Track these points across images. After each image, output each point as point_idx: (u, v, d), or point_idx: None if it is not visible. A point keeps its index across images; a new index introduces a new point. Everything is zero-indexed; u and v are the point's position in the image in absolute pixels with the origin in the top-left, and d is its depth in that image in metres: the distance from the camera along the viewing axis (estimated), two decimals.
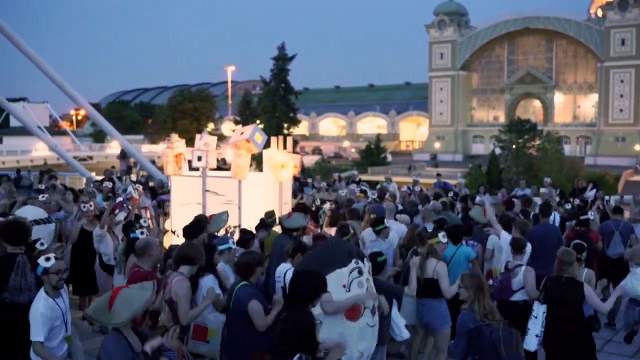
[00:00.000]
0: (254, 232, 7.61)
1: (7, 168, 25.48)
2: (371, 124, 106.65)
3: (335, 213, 10.10)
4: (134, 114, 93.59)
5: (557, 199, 14.03)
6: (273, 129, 53.18)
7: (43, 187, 12.07)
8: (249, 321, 5.04)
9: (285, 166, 9.15)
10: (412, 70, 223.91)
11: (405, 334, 6.04)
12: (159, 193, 13.33)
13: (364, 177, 32.11)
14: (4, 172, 18.89)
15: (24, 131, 42.51)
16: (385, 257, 6.09)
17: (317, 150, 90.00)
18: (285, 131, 59.11)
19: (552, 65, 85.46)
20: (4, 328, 5.10)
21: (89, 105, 17.04)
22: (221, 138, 50.69)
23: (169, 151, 9.44)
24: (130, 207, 9.87)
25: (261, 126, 30.62)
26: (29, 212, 7.77)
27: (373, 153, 66.98)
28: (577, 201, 13.22)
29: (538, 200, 13.61)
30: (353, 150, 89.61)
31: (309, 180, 17.62)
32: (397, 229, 8.68)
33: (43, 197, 9.71)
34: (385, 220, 8.06)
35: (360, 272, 5.02)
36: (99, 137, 75.62)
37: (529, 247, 7.34)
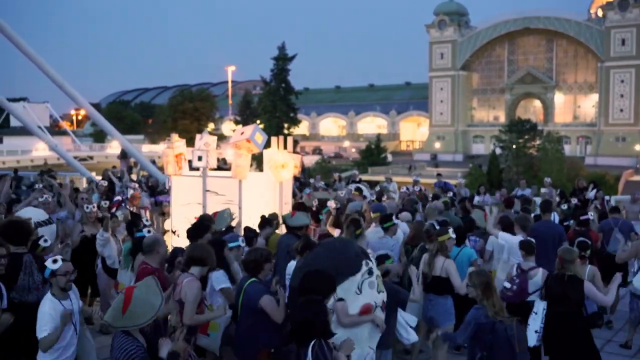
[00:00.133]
0: (257, 230, 7.67)
1: (7, 168, 25.47)
2: (371, 124, 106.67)
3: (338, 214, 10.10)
4: (134, 114, 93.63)
5: (557, 199, 14.02)
6: (273, 129, 53.19)
7: (40, 186, 12.04)
8: (259, 317, 5.07)
9: (285, 166, 9.15)
10: (413, 70, 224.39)
11: (413, 337, 6.06)
12: (156, 193, 13.34)
13: (364, 177, 32.08)
14: (4, 172, 18.87)
15: (24, 131, 42.57)
16: (392, 259, 6.09)
17: (317, 150, 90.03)
18: (286, 131, 59.11)
19: (552, 65, 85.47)
20: (13, 327, 5.09)
21: (89, 105, 17.01)
22: (221, 138, 50.77)
23: (170, 151, 9.44)
24: (128, 206, 9.88)
25: (261, 126, 30.55)
26: (29, 214, 7.74)
27: (373, 153, 66.98)
28: (574, 200, 13.24)
29: (538, 200, 13.62)
30: (353, 150, 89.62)
31: (312, 181, 17.61)
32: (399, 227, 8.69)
33: (42, 197, 9.69)
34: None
35: (371, 272, 5.01)
36: (99, 137, 75.67)
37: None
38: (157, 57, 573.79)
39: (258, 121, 57.93)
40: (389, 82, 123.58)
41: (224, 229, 7.59)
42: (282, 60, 63.80)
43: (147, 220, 8.44)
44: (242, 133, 8.91)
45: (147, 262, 5.78)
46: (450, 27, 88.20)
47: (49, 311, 4.73)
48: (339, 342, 4.22)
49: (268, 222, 7.99)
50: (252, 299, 5.10)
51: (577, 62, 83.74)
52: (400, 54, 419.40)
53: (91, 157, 61.92)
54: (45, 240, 5.88)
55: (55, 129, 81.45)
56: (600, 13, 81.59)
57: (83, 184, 18.01)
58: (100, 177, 15.65)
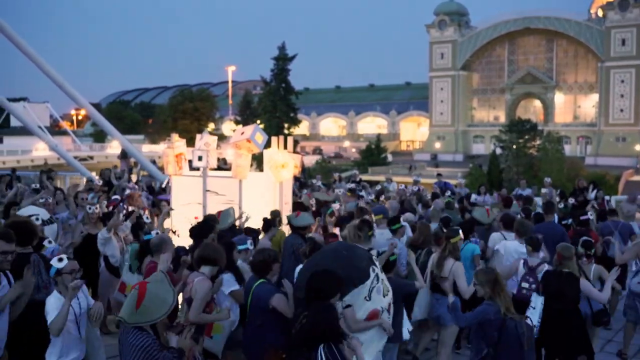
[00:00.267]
0: (260, 230, 7.73)
1: (7, 168, 25.46)
2: (372, 124, 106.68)
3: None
4: (134, 114, 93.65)
5: (558, 199, 14.03)
6: (273, 129, 53.22)
7: (37, 186, 12.03)
8: (269, 318, 5.10)
9: (285, 166, 9.15)
10: (413, 70, 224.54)
11: (406, 335, 6.13)
12: (155, 193, 13.35)
13: (364, 177, 32.10)
14: (4, 172, 18.86)
15: (24, 131, 42.52)
16: (396, 256, 6.13)
17: (317, 150, 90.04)
18: (286, 131, 59.15)
19: (552, 65, 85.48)
20: (24, 326, 5.09)
21: (89, 105, 16.99)
22: (222, 138, 50.80)
23: (170, 151, 9.43)
24: (125, 206, 9.87)
25: (262, 126, 30.59)
26: (31, 212, 7.74)
27: (373, 153, 66.99)
28: (571, 200, 13.25)
29: (538, 201, 13.64)
30: (353, 150, 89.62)
31: (313, 181, 17.61)
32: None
33: (43, 198, 9.69)
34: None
35: (378, 279, 5.02)
36: (100, 137, 75.69)
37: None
38: (157, 57, 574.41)
39: (258, 121, 57.96)
40: (389, 82, 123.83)
41: (228, 226, 7.61)
42: (282, 60, 63.81)
43: (147, 218, 8.44)
44: (242, 133, 8.90)
45: (156, 261, 5.83)
46: (451, 27, 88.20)
47: (55, 301, 4.70)
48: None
49: (271, 223, 8.04)
50: (262, 299, 5.13)
51: (578, 62, 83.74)
52: (400, 54, 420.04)
53: (91, 157, 61.87)
54: (50, 242, 5.89)
55: (55, 129, 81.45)
56: (600, 13, 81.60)
57: (83, 184, 18.00)
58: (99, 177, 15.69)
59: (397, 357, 6.44)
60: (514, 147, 54.17)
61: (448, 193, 13.21)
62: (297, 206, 9.64)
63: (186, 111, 73.36)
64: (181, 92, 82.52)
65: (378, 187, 16.41)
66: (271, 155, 9.28)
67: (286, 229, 8.40)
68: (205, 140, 9.07)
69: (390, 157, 74.17)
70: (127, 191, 11.27)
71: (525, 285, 6.57)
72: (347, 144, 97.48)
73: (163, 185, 13.92)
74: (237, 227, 8.02)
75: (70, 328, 4.75)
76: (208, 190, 8.95)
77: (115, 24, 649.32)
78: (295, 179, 13.46)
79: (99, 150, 68.38)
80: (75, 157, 25.78)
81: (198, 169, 9.17)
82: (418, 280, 6.37)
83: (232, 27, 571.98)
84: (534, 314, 6.06)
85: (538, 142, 54.81)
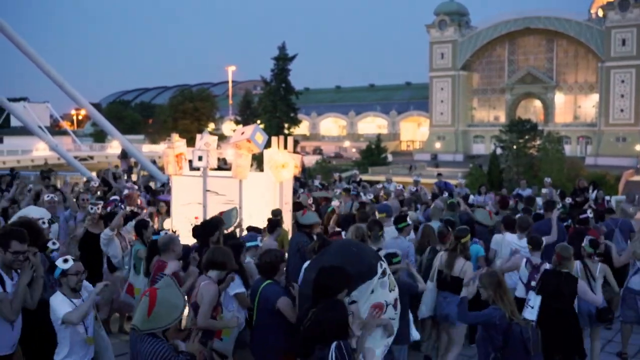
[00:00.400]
0: (262, 229, 7.77)
1: (7, 168, 25.46)
2: (372, 124, 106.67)
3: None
4: (134, 114, 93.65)
5: (558, 199, 14.03)
6: (274, 129, 53.21)
7: (37, 187, 12.07)
8: (274, 319, 5.11)
9: (285, 166, 9.15)
10: (413, 70, 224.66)
11: (416, 335, 6.17)
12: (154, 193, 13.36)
13: (364, 177, 32.05)
14: (4, 172, 18.88)
15: (24, 131, 42.52)
16: (400, 257, 6.12)
17: (317, 150, 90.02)
18: (286, 131, 59.14)
19: (552, 65, 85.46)
20: (35, 323, 5.09)
21: (89, 105, 17.00)
22: (222, 138, 50.76)
23: (170, 151, 9.44)
24: (123, 206, 9.87)
25: (262, 126, 30.58)
26: (33, 213, 7.74)
27: (374, 153, 66.97)
28: (568, 200, 13.26)
29: (539, 201, 13.63)
30: (354, 150, 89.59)
31: (315, 181, 17.62)
32: None
33: (48, 196, 9.74)
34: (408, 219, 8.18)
35: (384, 273, 5.02)
36: (100, 137, 75.69)
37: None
38: (157, 57, 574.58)
39: (258, 121, 57.95)
40: (389, 82, 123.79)
41: (232, 228, 7.63)
42: (283, 60, 63.81)
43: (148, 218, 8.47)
44: (242, 133, 8.91)
45: (164, 260, 5.87)
46: (451, 27, 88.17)
47: (62, 300, 4.69)
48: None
49: (277, 223, 8.08)
50: (269, 300, 5.15)
51: (578, 62, 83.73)
52: (400, 54, 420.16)
53: (91, 157, 61.89)
54: (54, 243, 5.90)
55: (55, 129, 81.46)
56: (600, 13, 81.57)
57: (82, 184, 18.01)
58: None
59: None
60: (514, 147, 54.12)
61: (445, 194, 13.19)
62: (295, 206, 9.66)
63: (186, 111, 73.37)
64: (181, 92, 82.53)
65: (378, 186, 16.39)
66: (271, 155, 9.28)
67: (286, 228, 8.43)
68: (205, 140, 9.08)
69: (390, 157, 74.16)
70: (126, 191, 11.28)
71: (534, 284, 6.61)
72: (347, 144, 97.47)
73: (155, 187, 13.96)
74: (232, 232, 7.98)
75: (78, 328, 4.75)
76: (208, 190, 8.96)
77: (115, 24, 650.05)
78: (296, 179, 13.46)
79: (99, 150, 68.39)
80: (76, 157, 25.80)
81: (198, 169, 9.17)
82: (420, 282, 6.37)
83: (232, 27, 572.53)
84: (532, 312, 6.10)
85: (538, 142, 54.77)
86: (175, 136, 9.72)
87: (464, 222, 9.26)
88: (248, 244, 6.45)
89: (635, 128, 75.45)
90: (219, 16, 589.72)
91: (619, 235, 9.55)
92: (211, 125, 74.12)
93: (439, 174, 24.89)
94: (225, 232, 7.19)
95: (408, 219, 8.19)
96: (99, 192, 12.84)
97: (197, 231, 6.83)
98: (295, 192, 12.04)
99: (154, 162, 19.94)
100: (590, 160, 72.36)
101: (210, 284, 5.27)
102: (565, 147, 64.86)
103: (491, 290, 5.04)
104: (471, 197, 13.83)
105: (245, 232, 7.94)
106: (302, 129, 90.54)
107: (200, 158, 8.84)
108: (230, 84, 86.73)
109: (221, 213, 7.82)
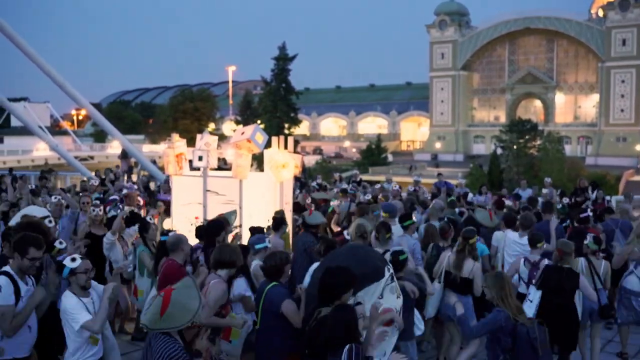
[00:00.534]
0: (264, 230, 7.74)
1: (7, 168, 25.48)
2: (372, 124, 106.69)
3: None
4: (134, 114, 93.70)
5: (558, 199, 14.03)
6: (274, 129, 53.23)
7: (36, 187, 12.07)
8: (279, 322, 5.11)
9: (286, 166, 9.15)
10: (413, 70, 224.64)
11: (420, 325, 6.21)
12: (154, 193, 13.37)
13: (364, 177, 32.05)
14: (4, 172, 18.88)
15: (25, 131, 42.51)
16: (406, 255, 6.13)
17: (318, 150, 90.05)
18: (286, 131, 59.18)
19: (553, 65, 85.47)
20: (52, 326, 5.08)
21: (89, 105, 17.01)
22: (222, 138, 50.69)
23: (170, 151, 9.43)
24: (121, 206, 9.86)
25: (262, 126, 30.59)
26: (34, 213, 7.72)
27: (374, 153, 67.00)
28: (566, 200, 13.26)
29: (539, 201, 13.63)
30: (354, 150, 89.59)
31: (313, 182, 17.60)
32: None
33: (56, 198, 9.75)
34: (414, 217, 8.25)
35: (392, 278, 5.03)
36: (100, 137, 75.71)
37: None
38: (157, 57, 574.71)
39: (259, 121, 57.96)
40: (389, 82, 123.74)
41: (233, 233, 7.62)
42: (283, 60, 63.84)
43: (150, 218, 8.46)
44: (242, 133, 8.91)
45: (173, 259, 5.89)
46: (451, 27, 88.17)
47: (76, 301, 4.66)
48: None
49: (282, 221, 8.10)
50: (274, 303, 5.15)
51: (578, 62, 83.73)
52: (400, 54, 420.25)
53: (92, 157, 61.91)
54: (61, 242, 5.87)
55: (56, 129, 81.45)
56: (600, 13, 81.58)
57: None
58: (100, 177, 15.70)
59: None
60: (515, 147, 54.13)
61: (443, 195, 13.16)
62: (295, 207, 9.67)
63: (186, 111, 73.38)
64: (182, 92, 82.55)
65: (377, 187, 16.36)
66: (271, 155, 9.28)
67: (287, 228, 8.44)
68: (205, 140, 9.08)
69: (390, 157, 74.18)
70: (125, 191, 11.26)
71: (534, 281, 6.63)
72: (347, 144, 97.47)
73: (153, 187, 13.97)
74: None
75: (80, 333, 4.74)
76: (208, 190, 8.95)
77: (115, 24, 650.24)
78: (296, 179, 13.46)
79: (99, 150, 68.43)
80: (76, 157, 25.79)
81: (198, 169, 9.17)
82: (428, 286, 6.38)
83: (232, 27, 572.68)
84: (531, 307, 6.15)
85: (538, 142, 54.79)
86: (175, 136, 9.72)
87: (465, 220, 9.28)
88: (257, 246, 6.44)
89: (635, 128, 75.45)
90: (219, 16, 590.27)
91: (619, 236, 9.54)
92: (211, 125, 74.11)
93: (440, 174, 24.85)
94: (230, 236, 7.19)
95: (413, 217, 8.22)
96: (97, 192, 12.81)
97: (201, 231, 6.82)
98: (292, 192, 12.04)
99: (154, 162, 19.94)
100: (590, 160, 72.36)
101: (219, 282, 5.29)
102: (566, 147, 64.86)
103: (494, 291, 5.03)
104: (470, 195, 13.82)
105: (245, 234, 7.94)
106: (302, 129, 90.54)
107: (200, 158, 8.84)
108: (230, 84, 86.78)
109: (220, 215, 7.81)
